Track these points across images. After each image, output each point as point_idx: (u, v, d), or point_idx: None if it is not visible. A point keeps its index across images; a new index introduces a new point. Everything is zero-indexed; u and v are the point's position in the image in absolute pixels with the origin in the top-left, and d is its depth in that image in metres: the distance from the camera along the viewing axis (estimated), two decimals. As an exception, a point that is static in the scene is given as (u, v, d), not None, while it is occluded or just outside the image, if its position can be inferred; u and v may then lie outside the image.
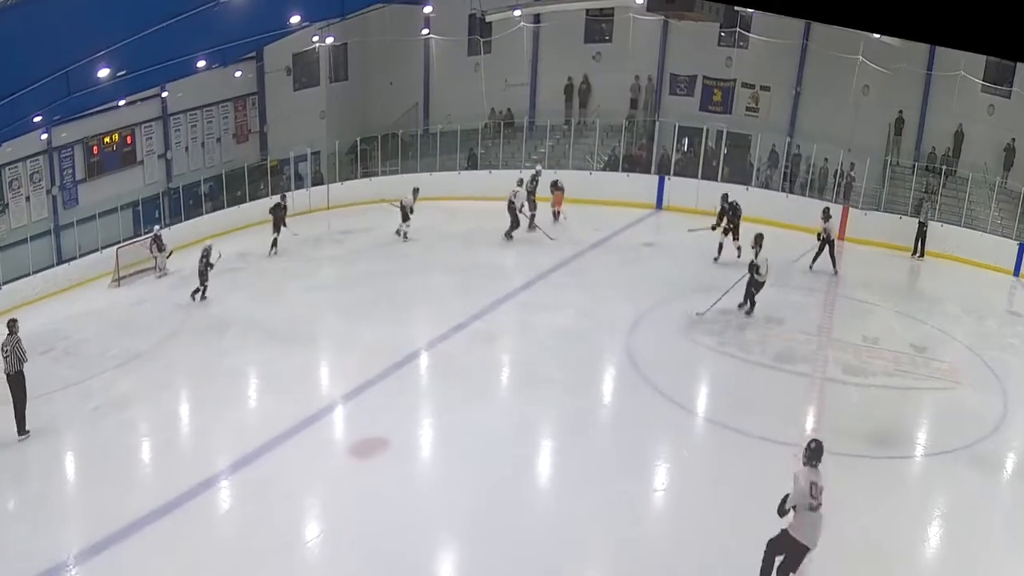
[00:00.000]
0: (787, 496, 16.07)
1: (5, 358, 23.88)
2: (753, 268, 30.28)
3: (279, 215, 38.54)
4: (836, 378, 26.65)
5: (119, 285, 36.80)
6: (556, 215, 41.20)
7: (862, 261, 37.56)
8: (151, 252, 37.68)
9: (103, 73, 30.08)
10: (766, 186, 43.90)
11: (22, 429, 23.68)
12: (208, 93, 45.14)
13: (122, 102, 39.84)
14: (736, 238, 36.38)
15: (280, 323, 31.04)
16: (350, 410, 25.03)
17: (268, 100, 48.30)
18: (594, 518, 19.01)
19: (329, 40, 47.49)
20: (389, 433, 23.09)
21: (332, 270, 36.21)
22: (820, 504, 16.04)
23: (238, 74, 46.34)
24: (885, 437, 22.85)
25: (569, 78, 49.72)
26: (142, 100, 41.84)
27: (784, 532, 16.26)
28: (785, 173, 44.48)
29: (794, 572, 16.39)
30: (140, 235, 39.34)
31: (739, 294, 30.40)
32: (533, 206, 40.01)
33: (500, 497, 19.99)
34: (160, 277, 37.19)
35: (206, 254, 33.22)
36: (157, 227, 39.07)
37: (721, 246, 36.65)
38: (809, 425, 23.62)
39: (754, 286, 30.52)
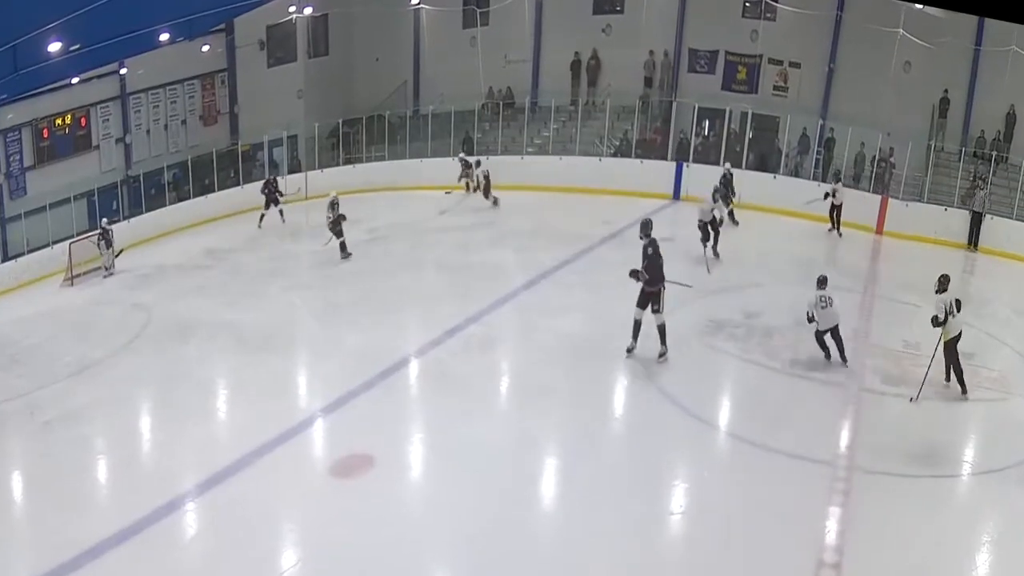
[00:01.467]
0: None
1: None
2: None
3: (272, 193, 39.03)
4: (874, 388, 26.58)
5: (72, 284, 36.93)
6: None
7: (903, 257, 37.62)
8: (98, 248, 37.87)
9: (54, 47, 29.94)
10: (795, 173, 44.02)
11: None
12: (172, 70, 45.26)
13: (75, 80, 39.91)
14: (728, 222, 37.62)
15: (253, 327, 31.14)
16: (331, 424, 25.01)
17: (239, 78, 48.40)
18: (602, 544, 19.01)
19: (307, 11, 47.75)
20: (374, 450, 23.03)
21: (311, 268, 36.24)
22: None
23: (206, 48, 46.46)
24: (928, 454, 22.80)
25: (576, 54, 49.83)
26: (98, 78, 42.01)
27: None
28: (817, 160, 44.52)
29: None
30: (96, 228, 39.27)
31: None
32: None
33: (498, 521, 19.95)
34: (106, 276, 37.36)
35: (334, 204, 33.68)
36: (104, 220, 39.10)
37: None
38: (843, 441, 23.58)
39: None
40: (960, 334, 25.21)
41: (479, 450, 22.89)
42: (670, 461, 22.86)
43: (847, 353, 26.90)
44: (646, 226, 27.68)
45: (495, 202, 42.35)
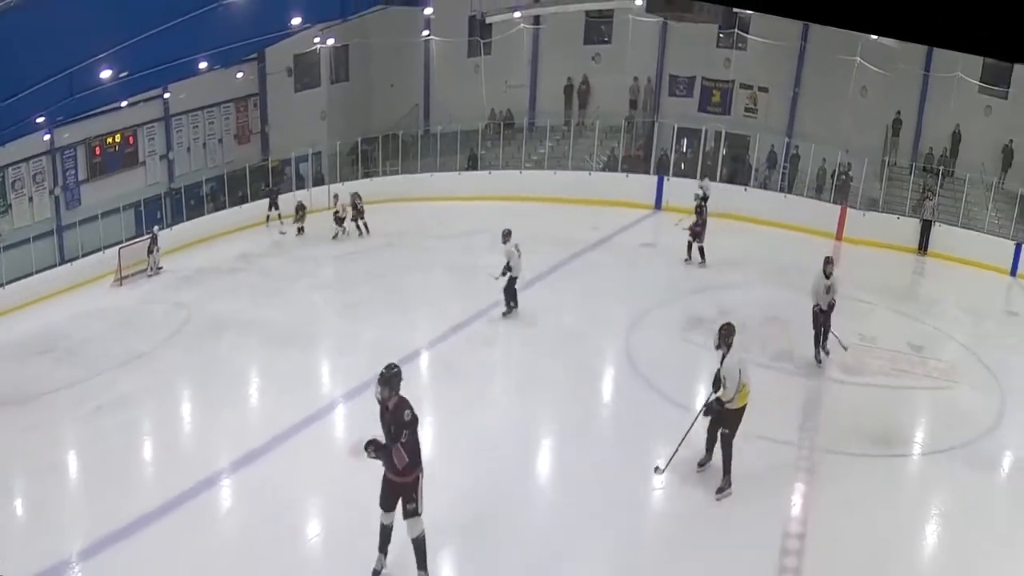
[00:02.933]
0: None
1: None
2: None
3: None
4: (834, 377, 26.64)
5: (121, 285, 36.95)
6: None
7: (860, 261, 37.47)
8: (148, 252, 37.90)
9: (105, 74, 30.15)
10: (764, 187, 44.00)
11: None
12: (210, 94, 45.20)
13: (124, 103, 39.94)
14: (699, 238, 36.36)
15: (281, 323, 31.15)
16: (350, 410, 24.92)
17: (269, 101, 48.35)
18: (593, 517, 18.98)
19: (330, 41, 47.64)
20: (389, 433, 23.03)
21: (332, 270, 36.19)
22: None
23: (240, 75, 46.41)
24: (883, 436, 22.79)
25: (569, 79, 49.78)
26: (144, 101, 41.95)
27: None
28: (783, 174, 44.52)
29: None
30: (142, 235, 39.45)
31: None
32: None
33: (500, 497, 19.91)
34: (151, 276, 37.41)
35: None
36: (156, 227, 39.41)
37: (690, 245, 36.48)
38: (807, 425, 23.66)
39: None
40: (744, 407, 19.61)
41: (481, 434, 22.90)
42: (654, 443, 22.71)
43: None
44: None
45: (365, 229, 41.68)
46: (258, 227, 42.92)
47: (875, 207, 40.94)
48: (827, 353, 27.01)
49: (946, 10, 2.60)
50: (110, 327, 31.71)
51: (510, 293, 30.17)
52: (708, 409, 20.08)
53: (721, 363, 19.57)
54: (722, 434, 20.01)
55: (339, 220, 40.10)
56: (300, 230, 41.18)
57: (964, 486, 21.10)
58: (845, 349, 27.37)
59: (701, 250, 36.08)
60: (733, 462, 19.69)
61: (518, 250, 30.05)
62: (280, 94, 48.49)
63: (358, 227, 40.65)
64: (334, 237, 39.47)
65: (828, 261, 26.89)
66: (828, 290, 26.51)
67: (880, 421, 23.71)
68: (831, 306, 26.82)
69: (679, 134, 46.59)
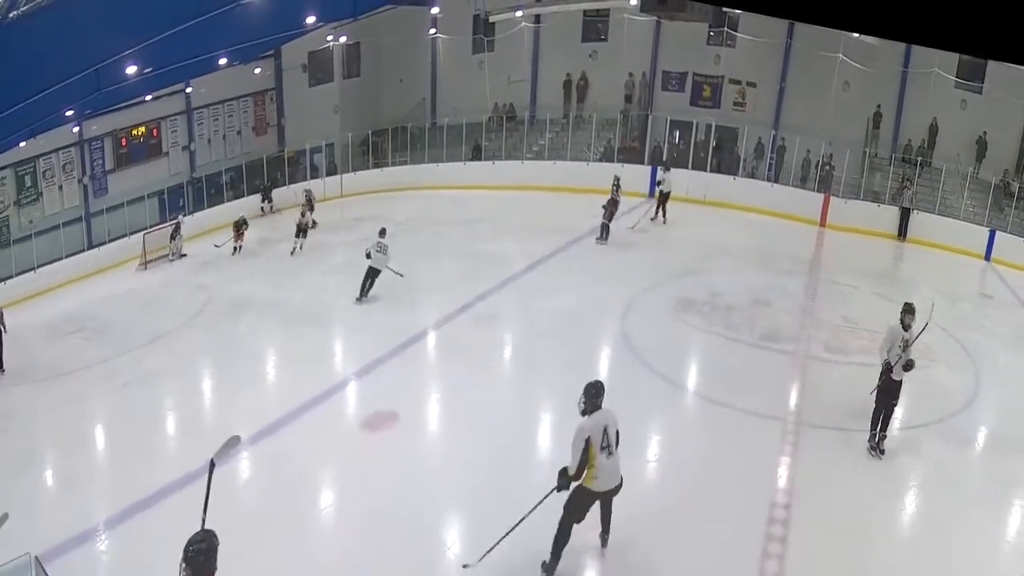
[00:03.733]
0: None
1: None
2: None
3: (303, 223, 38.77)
4: (818, 356, 26.70)
5: (146, 268, 37.00)
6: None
7: (842, 247, 37.61)
8: (171, 238, 38.11)
9: (131, 70, 30.17)
10: (752, 176, 43.97)
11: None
12: (229, 88, 45.13)
13: (149, 97, 39.98)
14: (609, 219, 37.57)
15: (296, 305, 31.27)
16: (362, 386, 25.07)
17: (285, 95, 48.27)
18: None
19: (342, 39, 47.59)
20: (398, 407, 23.10)
21: (345, 255, 36.04)
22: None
23: (257, 71, 46.38)
24: (864, 412, 22.66)
25: (567, 75, 49.69)
26: (167, 95, 41.91)
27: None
28: (770, 164, 44.52)
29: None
30: (166, 222, 39.66)
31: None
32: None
33: (502, 467, 19.93)
34: (173, 261, 37.61)
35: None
36: (181, 215, 39.59)
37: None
38: (792, 401, 23.69)
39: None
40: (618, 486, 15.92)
41: (485, 408, 22.98)
42: (647, 417, 22.78)
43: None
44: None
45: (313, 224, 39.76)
46: (272, 214, 42.92)
47: (857, 195, 40.93)
48: (882, 452, 20.72)
49: (923, 9, 2.59)
50: (135, 308, 31.73)
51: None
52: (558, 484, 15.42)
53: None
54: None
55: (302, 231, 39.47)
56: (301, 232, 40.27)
57: (940, 459, 21.14)
58: (881, 454, 20.70)
59: (605, 227, 37.23)
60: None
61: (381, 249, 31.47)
62: (295, 89, 48.42)
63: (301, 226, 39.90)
64: (292, 253, 37.58)
65: (908, 310, 21.27)
66: (906, 346, 20.80)
67: (861, 398, 23.61)
68: (908, 367, 20.74)
69: (672, 126, 46.73)
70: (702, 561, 16.41)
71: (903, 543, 18.16)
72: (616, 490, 15.59)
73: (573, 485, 15.28)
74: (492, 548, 15.29)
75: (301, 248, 36.58)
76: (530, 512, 15.34)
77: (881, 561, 16.91)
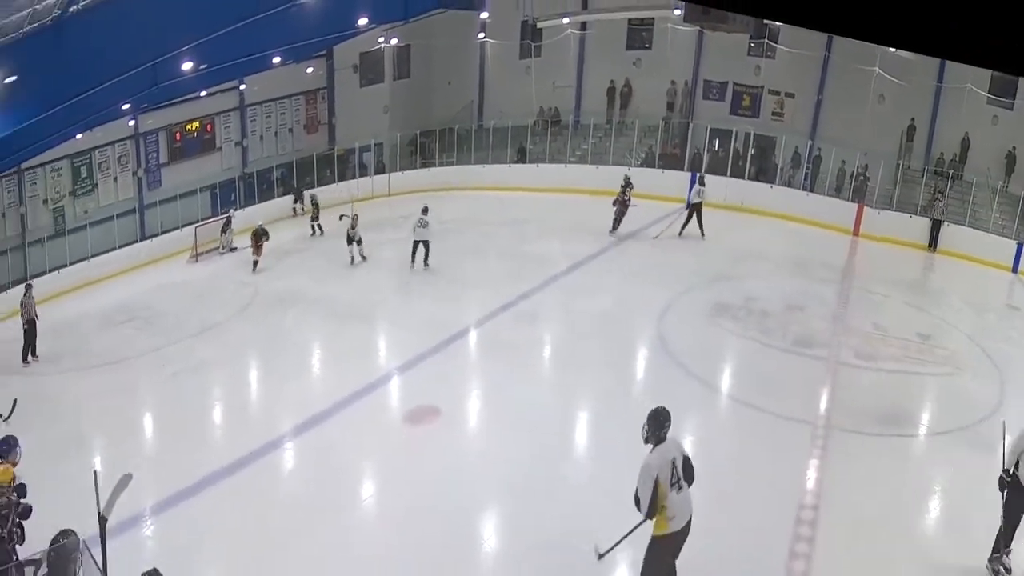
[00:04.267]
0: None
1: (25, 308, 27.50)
2: None
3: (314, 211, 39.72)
4: (849, 362, 26.64)
5: (197, 261, 37.21)
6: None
7: (875, 256, 37.47)
8: (222, 231, 38.31)
9: (187, 66, 30.62)
10: (789, 185, 43.85)
11: (25, 359, 27.44)
12: (282, 87, 45.26)
13: (203, 93, 40.20)
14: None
15: (342, 300, 31.45)
16: (405, 380, 25.29)
17: (336, 94, 48.39)
18: (625, 488, 18.99)
19: (393, 41, 47.70)
20: (440, 402, 23.33)
21: (391, 252, 36.14)
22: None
23: (309, 70, 46.53)
24: (892, 417, 22.85)
25: (611, 81, 49.65)
26: (221, 92, 42.09)
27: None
28: (806, 173, 44.44)
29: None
30: (217, 215, 39.90)
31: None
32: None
33: (541, 463, 20.12)
34: (223, 254, 37.72)
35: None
36: (232, 210, 39.81)
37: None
38: (823, 405, 23.70)
39: None
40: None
41: (524, 405, 23.14)
42: (681, 418, 22.76)
43: None
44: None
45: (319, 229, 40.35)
46: (325, 210, 43.03)
47: (890, 206, 40.82)
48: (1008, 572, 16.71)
49: (960, 26, 2.64)
50: (186, 299, 31.91)
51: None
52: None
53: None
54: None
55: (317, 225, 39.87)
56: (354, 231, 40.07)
57: (965, 465, 21.01)
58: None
59: (616, 221, 38.43)
60: None
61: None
62: (346, 88, 48.53)
63: (314, 228, 40.28)
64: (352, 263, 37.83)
65: None
66: None
67: (890, 403, 23.78)
68: None
69: (711, 134, 46.63)
70: (732, 556, 16.50)
71: (927, 545, 18.19)
72: (689, 526, 14.20)
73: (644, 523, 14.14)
74: (613, 547, 14.78)
75: (362, 257, 35.57)
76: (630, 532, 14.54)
77: (906, 562, 16.95)
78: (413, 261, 34.24)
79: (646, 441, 14.08)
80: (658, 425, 13.98)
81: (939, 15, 2.63)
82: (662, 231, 38.25)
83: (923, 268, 37.59)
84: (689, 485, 14.11)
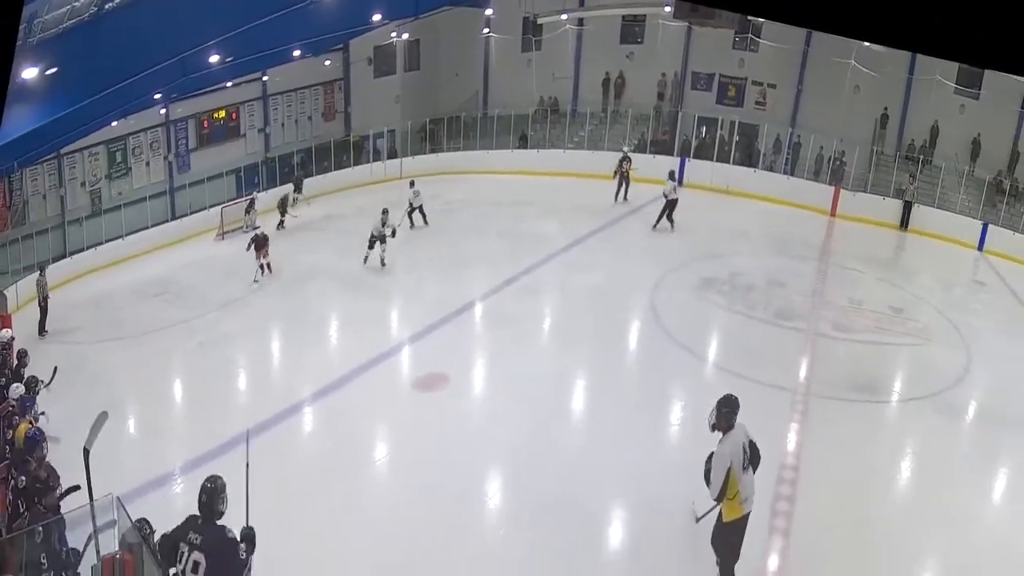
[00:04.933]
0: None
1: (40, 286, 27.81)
2: None
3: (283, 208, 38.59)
4: (827, 334, 26.63)
5: (223, 239, 37.05)
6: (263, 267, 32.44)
7: (851, 235, 37.39)
8: (246, 212, 38.33)
9: (214, 59, 30.73)
10: (771, 169, 43.80)
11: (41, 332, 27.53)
12: (302, 78, 45.17)
13: (229, 84, 40.13)
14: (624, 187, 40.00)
15: (357, 276, 31.35)
16: (415, 350, 25.29)
17: (352, 85, 48.29)
18: (619, 449, 19.09)
19: (405, 36, 47.64)
20: (448, 370, 23.36)
21: (403, 232, 36.16)
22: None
23: (327, 63, 46.41)
24: (867, 384, 22.89)
25: (607, 73, 49.51)
26: (246, 82, 42.00)
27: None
28: (787, 158, 44.42)
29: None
30: (242, 197, 39.84)
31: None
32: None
33: (541, 427, 20.20)
34: (247, 232, 37.19)
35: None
36: (256, 192, 39.66)
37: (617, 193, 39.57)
38: (803, 374, 23.71)
39: None
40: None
41: (525, 373, 23.20)
42: (672, 385, 22.94)
43: None
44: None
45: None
46: (342, 192, 43.01)
47: (864, 189, 40.81)
48: None
49: (929, 22, 2.59)
50: (213, 275, 31.84)
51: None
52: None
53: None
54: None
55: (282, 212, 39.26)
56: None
57: (934, 429, 21.27)
58: None
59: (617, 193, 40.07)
60: None
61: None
62: (361, 79, 48.45)
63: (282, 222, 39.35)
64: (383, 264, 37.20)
65: None
66: None
67: (864, 372, 23.83)
68: None
69: (699, 122, 46.57)
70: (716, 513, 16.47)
71: (900, 503, 18.29)
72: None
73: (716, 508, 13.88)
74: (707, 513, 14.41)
75: (382, 262, 32.33)
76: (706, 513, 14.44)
77: (879, 518, 16.98)
78: (412, 222, 36.03)
79: (713, 428, 13.70)
80: (728, 413, 13.58)
81: (921, 10, 2.57)
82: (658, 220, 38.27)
83: (895, 246, 37.51)
84: (755, 469, 13.85)
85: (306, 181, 42.15)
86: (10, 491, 14.13)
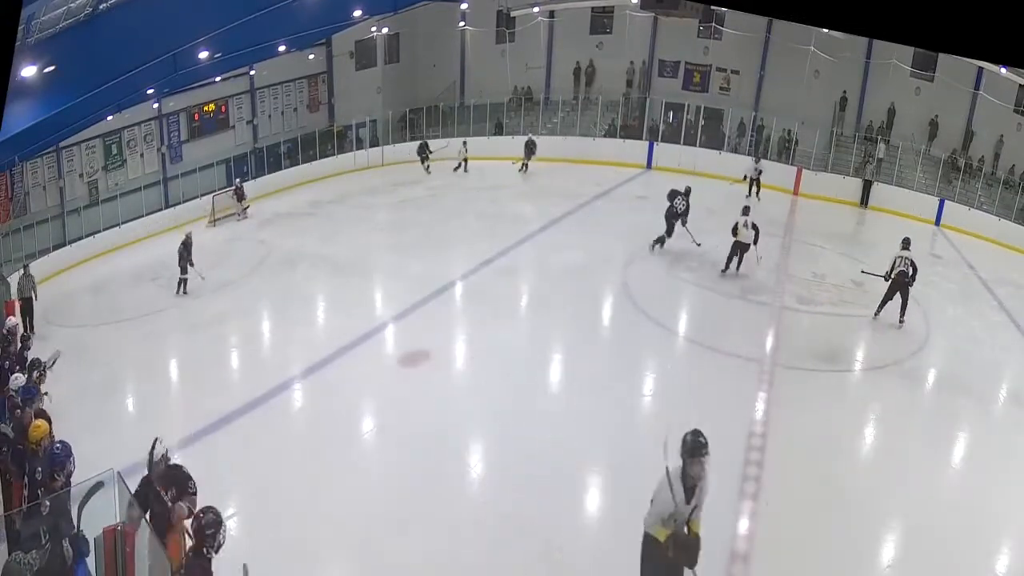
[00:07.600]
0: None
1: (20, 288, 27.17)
2: None
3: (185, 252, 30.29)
4: (791, 307, 26.51)
5: (214, 225, 36.91)
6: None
7: (812, 212, 37.50)
8: (233, 199, 38.36)
9: (203, 55, 30.70)
10: (735, 151, 43.86)
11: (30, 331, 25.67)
12: (287, 71, 45.15)
13: (218, 78, 40.19)
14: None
15: (343, 258, 31.15)
16: (399, 328, 25.02)
17: (335, 78, 48.19)
18: (594, 417, 19.00)
19: (384, 30, 47.58)
20: (430, 347, 23.13)
21: (385, 215, 36.03)
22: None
23: (311, 57, 46.36)
24: (830, 354, 22.79)
25: (577, 62, 49.49)
26: (234, 77, 41.99)
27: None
28: (750, 141, 44.47)
29: None
30: (231, 185, 39.67)
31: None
32: None
33: (519, 399, 19.98)
34: (239, 220, 37.64)
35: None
36: (239, 180, 39.66)
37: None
38: (768, 345, 23.59)
39: None
40: None
41: (504, 348, 23.06)
42: (644, 357, 22.81)
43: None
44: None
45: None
46: (327, 179, 43.02)
47: (825, 168, 40.87)
48: None
49: (884, 8, 2.49)
50: (205, 259, 31.55)
51: None
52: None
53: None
54: None
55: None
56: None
57: (896, 395, 21.12)
58: None
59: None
60: None
61: None
62: (344, 72, 48.38)
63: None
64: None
65: None
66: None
67: (828, 342, 23.72)
68: None
69: (666, 108, 46.51)
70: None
71: (864, 463, 18.22)
72: None
73: None
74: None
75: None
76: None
77: (843, 479, 16.91)
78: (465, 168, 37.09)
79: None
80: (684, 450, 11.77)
81: None
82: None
83: (856, 222, 37.62)
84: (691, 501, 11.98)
85: (292, 170, 42.23)
86: (26, 485, 13.75)
